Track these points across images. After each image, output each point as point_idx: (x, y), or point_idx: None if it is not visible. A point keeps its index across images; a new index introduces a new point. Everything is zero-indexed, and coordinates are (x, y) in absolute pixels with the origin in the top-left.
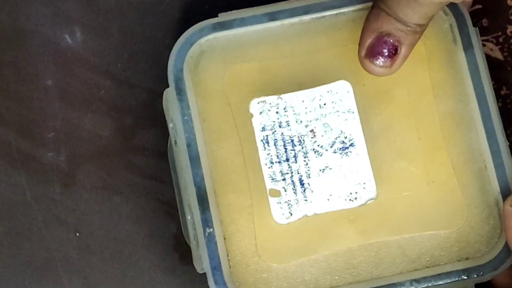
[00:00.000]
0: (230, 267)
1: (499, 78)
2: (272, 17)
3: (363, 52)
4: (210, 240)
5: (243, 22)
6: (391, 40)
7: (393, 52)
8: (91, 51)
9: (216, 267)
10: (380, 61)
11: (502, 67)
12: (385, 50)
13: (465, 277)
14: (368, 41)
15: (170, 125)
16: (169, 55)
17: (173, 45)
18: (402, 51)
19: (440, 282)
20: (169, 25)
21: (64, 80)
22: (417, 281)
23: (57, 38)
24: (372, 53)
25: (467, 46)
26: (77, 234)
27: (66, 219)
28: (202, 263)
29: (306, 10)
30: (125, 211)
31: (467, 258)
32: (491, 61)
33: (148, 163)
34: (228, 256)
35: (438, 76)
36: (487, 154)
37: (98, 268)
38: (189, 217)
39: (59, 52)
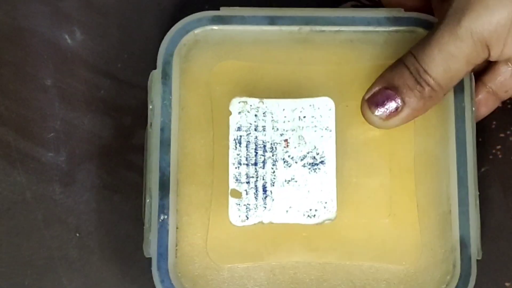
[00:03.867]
0: (176, 257)
1: None
2: (272, 21)
3: (366, 96)
4: (162, 226)
5: (242, 20)
6: (395, 97)
7: (393, 110)
8: (91, 51)
9: (162, 254)
10: (377, 111)
11: None
12: (386, 104)
13: None
14: (376, 88)
15: (150, 107)
16: None
17: None
18: (403, 113)
19: None
20: (168, 25)
21: (64, 79)
22: None
23: (56, 38)
24: (372, 100)
25: (458, 89)
26: (77, 234)
27: (66, 218)
28: (150, 247)
29: (307, 21)
30: (125, 211)
31: None
32: None
33: None
34: (176, 246)
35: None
36: (454, 199)
37: (98, 267)
38: (148, 200)
39: (59, 51)
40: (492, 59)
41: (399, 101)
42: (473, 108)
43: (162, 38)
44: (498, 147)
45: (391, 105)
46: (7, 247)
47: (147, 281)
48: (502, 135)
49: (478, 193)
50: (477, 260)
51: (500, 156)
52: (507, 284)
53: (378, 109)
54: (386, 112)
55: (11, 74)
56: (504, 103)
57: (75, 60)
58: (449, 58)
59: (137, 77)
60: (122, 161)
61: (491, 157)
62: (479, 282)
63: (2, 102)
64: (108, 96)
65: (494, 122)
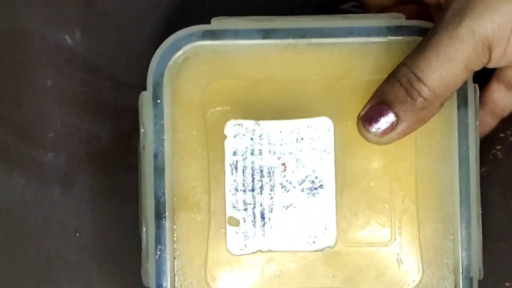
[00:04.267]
0: (175, 286)
1: None
2: (266, 34)
3: (361, 113)
4: (160, 257)
5: (235, 35)
6: (388, 112)
7: (388, 126)
8: (91, 52)
9: (162, 285)
10: (372, 128)
11: None
12: (379, 120)
13: None
14: (369, 104)
15: (142, 130)
16: None
17: None
18: (399, 127)
19: None
20: (168, 27)
21: (64, 81)
22: None
23: (56, 39)
24: (366, 117)
25: (462, 104)
26: (77, 235)
27: (65, 220)
28: (148, 278)
29: (303, 34)
30: (124, 213)
31: None
32: None
33: None
34: (175, 276)
35: (425, 129)
36: (456, 220)
37: (97, 269)
38: (144, 229)
39: (59, 53)
40: (491, 65)
41: (392, 116)
42: (477, 122)
43: (163, 40)
44: (498, 147)
45: (385, 121)
46: (6, 249)
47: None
48: (502, 135)
49: (480, 212)
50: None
51: (500, 156)
52: (507, 284)
53: (373, 125)
54: (381, 128)
55: (11, 75)
56: None
57: (75, 62)
58: (446, 62)
59: (137, 78)
60: (122, 163)
61: (491, 157)
62: (478, 282)
63: (2, 103)
64: (108, 98)
65: None
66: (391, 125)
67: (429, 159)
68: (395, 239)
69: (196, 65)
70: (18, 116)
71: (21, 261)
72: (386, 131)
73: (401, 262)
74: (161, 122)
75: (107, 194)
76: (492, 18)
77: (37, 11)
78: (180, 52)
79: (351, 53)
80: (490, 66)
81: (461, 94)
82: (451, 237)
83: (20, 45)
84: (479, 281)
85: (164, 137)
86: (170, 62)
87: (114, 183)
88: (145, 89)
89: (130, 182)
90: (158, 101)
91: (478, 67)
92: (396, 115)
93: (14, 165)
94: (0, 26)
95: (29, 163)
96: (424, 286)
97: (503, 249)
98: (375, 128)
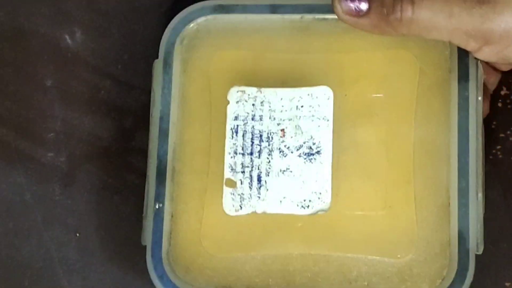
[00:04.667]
0: (170, 245)
1: (499, 78)
2: (274, 9)
3: None
4: (158, 214)
5: (244, 9)
6: (365, 3)
7: (356, 10)
8: (91, 52)
9: (157, 242)
10: (344, 2)
11: None
12: (354, 1)
13: None
14: None
15: (151, 95)
16: None
17: None
18: (363, 20)
19: None
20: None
21: (64, 80)
22: None
23: (57, 39)
24: None
25: (463, 78)
26: (77, 235)
27: (65, 219)
28: (145, 235)
29: (309, 9)
30: (124, 212)
31: None
32: None
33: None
34: (171, 234)
35: (424, 101)
36: (453, 191)
37: (97, 269)
38: (146, 188)
39: (59, 52)
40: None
41: (365, 6)
42: (479, 98)
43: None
44: (498, 147)
45: (357, 5)
46: (6, 248)
47: (146, 282)
48: (502, 135)
49: (481, 185)
50: (479, 257)
51: (500, 156)
52: (507, 284)
53: (347, 1)
54: (349, 6)
55: (11, 74)
56: (504, 103)
57: (75, 61)
58: (446, 16)
59: (138, 78)
60: (122, 162)
61: (491, 157)
62: (478, 282)
63: (2, 103)
64: (108, 97)
65: (494, 122)
66: (358, 12)
67: (428, 130)
68: (390, 207)
69: (206, 37)
70: (18, 115)
71: (21, 260)
72: (350, 12)
73: (395, 230)
74: (169, 87)
75: (107, 193)
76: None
77: (37, 11)
78: (192, 24)
79: (354, 29)
80: (479, 57)
81: (462, 68)
82: (448, 207)
83: (20, 44)
84: (479, 279)
85: (171, 101)
86: (182, 33)
87: (114, 182)
88: (147, 92)
89: (130, 182)
90: (168, 67)
91: (465, 46)
92: (369, 9)
93: (14, 164)
94: (0, 25)
95: (29, 163)
96: (417, 256)
97: (503, 249)
98: (345, 4)
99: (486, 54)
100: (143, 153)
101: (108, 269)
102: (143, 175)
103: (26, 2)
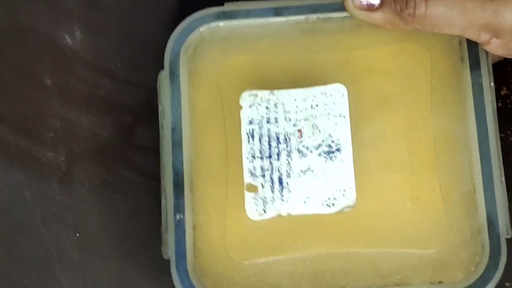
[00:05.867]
0: (195, 256)
1: (499, 78)
2: (278, 12)
3: None
4: (179, 226)
5: (247, 14)
6: None
7: (369, 4)
8: (91, 50)
9: (181, 254)
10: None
11: (502, 67)
12: None
13: None
14: None
15: (160, 107)
16: None
17: None
18: (377, 15)
19: None
20: (169, 24)
21: (63, 78)
22: None
23: (56, 36)
24: None
25: (474, 65)
26: (77, 233)
27: (64, 217)
28: (167, 248)
29: (313, 9)
30: (124, 210)
31: (440, 282)
32: None
33: (147, 161)
34: (194, 245)
35: (439, 91)
36: (478, 177)
37: (96, 266)
38: (163, 201)
39: (58, 50)
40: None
41: (378, 1)
42: (491, 84)
43: (163, 37)
44: None
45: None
46: (6, 246)
47: (146, 280)
48: (502, 135)
49: (503, 169)
50: (508, 239)
51: None
52: (507, 284)
53: None
54: (361, 1)
55: (10, 72)
56: (504, 103)
57: (75, 59)
58: (461, 12)
59: (137, 76)
60: (122, 160)
61: None
62: None
63: (1, 101)
64: (108, 95)
65: None
66: (370, 6)
67: (445, 118)
68: (416, 198)
69: (211, 44)
70: (17, 113)
71: (20, 258)
72: (362, 6)
73: (424, 221)
74: (178, 97)
75: (107, 192)
76: None
77: (36, 9)
78: (195, 33)
79: (361, 25)
80: (486, 49)
81: (473, 56)
82: (475, 195)
83: (20, 43)
84: None
85: (181, 112)
86: (186, 42)
87: (114, 180)
88: (146, 89)
89: (130, 180)
90: (175, 78)
91: (475, 39)
92: (382, 4)
93: (13, 162)
94: (0, 23)
95: (29, 161)
96: (448, 246)
97: None
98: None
99: (494, 46)
100: (143, 150)
101: (108, 267)
102: (142, 173)
103: (26, 1)
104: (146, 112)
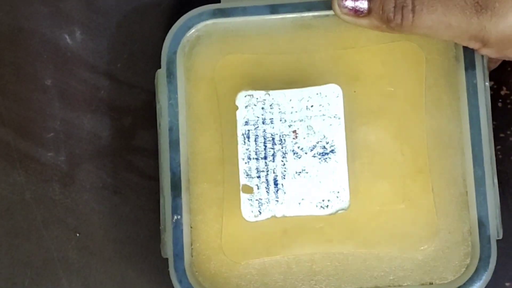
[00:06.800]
0: (192, 256)
1: (499, 78)
2: (274, 10)
3: None
4: (177, 227)
5: (244, 12)
6: (366, 3)
7: (356, 11)
8: (91, 51)
9: (179, 254)
10: (346, 1)
11: (502, 67)
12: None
13: None
14: None
15: (158, 106)
16: None
17: None
18: (364, 20)
19: None
20: (168, 26)
21: (64, 80)
22: None
23: (56, 38)
24: None
25: (469, 65)
26: (77, 235)
27: (65, 219)
28: (166, 248)
29: (309, 7)
30: (124, 212)
31: (430, 283)
32: None
33: (147, 163)
34: (192, 245)
35: (433, 92)
36: (470, 179)
37: (97, 268)
38: (162, 201)
39: (59, 52)
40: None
41: (366, 5)
42: (486, 84)
43: (163, 38)
44: (498, 147)
45: (358, 4)
46: (6, 247)
47: (146, 282)
48: (502, 135)
49: (495, 171)
50: (508, 240)
51: (500, 156)
52: (507, 284)
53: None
54: (349, 5)
55: (11, 74)
56: (504, 103)
57: (75, 60)
58: (445, 25)
59: (137, 77)
60: (122, 161)
61: None
62: None
63: (2, 102)
64: (108, 97)
65: (494, 122)
66: (358, 12)
67: (439, 120)
68: (408, 200)
69: (208, 42)
70: (18, 115)
71: (21, 260)
72: (349, 12)
73: (416, 223)
74: (175, 96)
75: (107, 193)
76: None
77: (37, 10)
78: (192, 31)
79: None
80: (480, 53)
81: (468, 57)
82: (466, 196)
83: (20, 44)
84: None
85: (178, 111)
86: (183, 40)
87: (114, 182)
88: (146, 91)
89: (130, 181)
90: (172, 77)
91: (466, 45)
92: (369, 11)
93: (14, 164)
94: (0, 25)
95: (29, 162)
96: (439, 247)
97: (502, 249)
98: (347, 3)
99: (486, 52)
100: (143, 152)
101: (108, 268)
102: (143, 174)
103: (26, 2)
104: (146, 113)
